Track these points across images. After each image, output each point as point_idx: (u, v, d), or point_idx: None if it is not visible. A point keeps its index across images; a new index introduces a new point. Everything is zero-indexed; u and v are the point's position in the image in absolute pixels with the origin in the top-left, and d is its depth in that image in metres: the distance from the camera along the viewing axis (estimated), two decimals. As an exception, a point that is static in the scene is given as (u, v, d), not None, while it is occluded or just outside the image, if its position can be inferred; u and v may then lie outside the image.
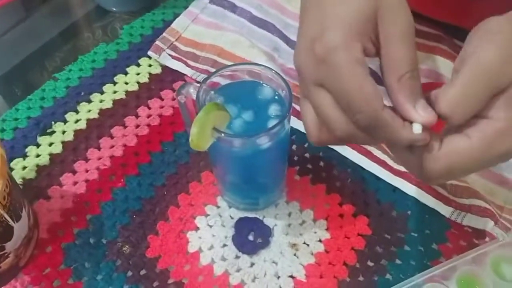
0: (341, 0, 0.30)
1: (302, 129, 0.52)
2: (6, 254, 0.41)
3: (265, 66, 0.40)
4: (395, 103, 0.29)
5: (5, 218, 0.40)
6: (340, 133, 0.31)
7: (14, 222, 0.41)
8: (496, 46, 0.27)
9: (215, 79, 0.41)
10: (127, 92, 0.57)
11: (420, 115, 0.28)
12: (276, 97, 0.41)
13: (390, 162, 0.49)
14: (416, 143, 0.29)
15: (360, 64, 0.28)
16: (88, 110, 0.55)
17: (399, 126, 0.28)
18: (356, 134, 0.30)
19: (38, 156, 0.52)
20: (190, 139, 0.36)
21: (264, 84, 0.41)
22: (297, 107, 0.54)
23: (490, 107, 0.27)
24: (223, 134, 0.37)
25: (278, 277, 0.44)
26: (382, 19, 0.29)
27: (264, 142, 0.39)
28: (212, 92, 0.41)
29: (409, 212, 0.47)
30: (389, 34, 0.29)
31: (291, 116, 0.46)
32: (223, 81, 0.42)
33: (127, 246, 0.45)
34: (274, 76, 0.40)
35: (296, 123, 0.52)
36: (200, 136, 0.36)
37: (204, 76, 0.57)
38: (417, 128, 0.28)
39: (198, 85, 0.40)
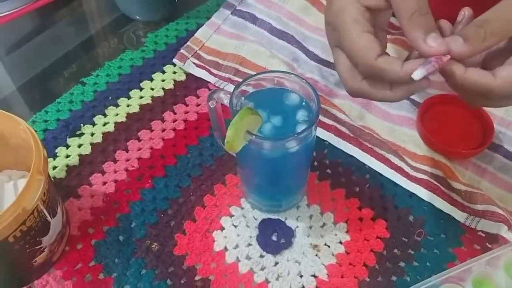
0: None
1: (322, 136, 0.55)
2: (42, 248, 0.43)
3: (295, 74, 0.42)
4: (410, 41, 0.32)
5: (44, 213, 0.42)
6: (350, 89, 0.36)
7: (51, 218, 0.43)
8: None
9: (244, 86, 0.44)
10: (153, 98, 0.59)
11: (431, 46, 0.31)
12: (303, 104, 0.43)
13: (407, 169, 0.52)
14: (416, 88, 0.33)
15: (357, 22, 0.33)
16: (116, 114, 0.57)
17: (396, 69, 0.32)
18: (364, 89, 0.34)
19: (67, 156, 0.54)
20: (225, 141, 0.38)
21: (291, 92, 0.44)
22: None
23: None
24: (255, 137, 0.40)
25: (301, 276, 0.46)
26: None
27: (292, 145, 0.41)
28: (243, 98, 0.44)
29: (425, 217, 0.49)
30: None
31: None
32: (251, 89, 0.44)
33: (155, 244, 0.47)
34: (302, 84, 0.42)
35: (316, 130, 0.54)
36: (235, 138, 0.38)
37: (227, 83, 0.59)
38: (417, 74, 0.31)
39: (228, 91, 0.43)
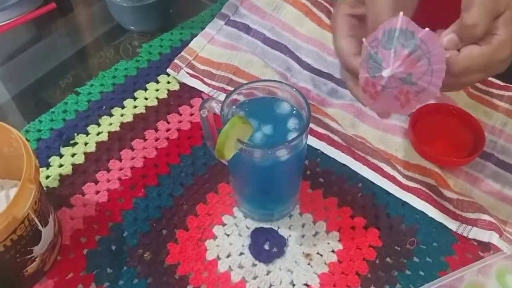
0: None
1: (314, 145, 0.55)
2: (33, 258, 0.43)
3: (286, 83, 0.43)
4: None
5: (35, 222, 0.41)
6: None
7: (42, 227, 0.43)
8: None
9: (235, 95, 0.44)
10: (146, 107, 0.59)
11: None
12: (294, 112, 0.43)
13: (399, 177, 0.52)
14: None
15: (341, 29, 0.41)
16: (110, 123, 0.57)
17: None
18: (345, 78, 0.42)
19: (61, 166, 0.54)
20: (216, 149, 0.38)
21: (282, 100, 0.44)
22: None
23: (493, 27, 0.36)
24: (245, 145, 0.40)
25: (293, 285, 0.46)
26: None
27: (283, 154, 0.41)
28: (234, 107, 0.44)
29: (417, 226, 0.49)
30: None
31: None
32: (243, 98, 0.45)
33: (147, 253, 0.47)
34: (292, 92, 0.43)
35: (308, 139, 0.55)
36: (225, 146, 0.38)
37: (220, 93, 0.60)
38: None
39: (220, 100, 0.43)
